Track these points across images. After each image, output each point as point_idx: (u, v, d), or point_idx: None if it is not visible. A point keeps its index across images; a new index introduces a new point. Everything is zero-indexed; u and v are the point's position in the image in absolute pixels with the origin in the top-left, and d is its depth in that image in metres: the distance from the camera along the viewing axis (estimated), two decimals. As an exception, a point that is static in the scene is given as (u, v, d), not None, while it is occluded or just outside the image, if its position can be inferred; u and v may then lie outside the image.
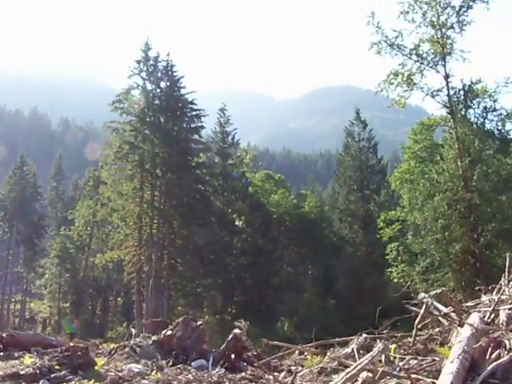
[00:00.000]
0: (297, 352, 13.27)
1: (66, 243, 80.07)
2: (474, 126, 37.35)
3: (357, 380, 7.00)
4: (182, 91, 61.49)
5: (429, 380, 6.82)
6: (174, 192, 57.59)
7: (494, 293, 9.91)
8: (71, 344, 10.91)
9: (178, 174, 58.04)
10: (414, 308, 10.50)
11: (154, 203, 57.62)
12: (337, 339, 11.07)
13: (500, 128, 37.78)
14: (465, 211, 36.03)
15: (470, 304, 9.92)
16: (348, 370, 7.09)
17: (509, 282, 9.98)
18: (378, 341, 9.19)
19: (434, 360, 7.62)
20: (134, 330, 16.84)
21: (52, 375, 8.59)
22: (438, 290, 9.69)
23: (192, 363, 11.31)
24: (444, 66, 37.57)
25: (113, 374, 9.24)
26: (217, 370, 10.83)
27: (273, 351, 13.46)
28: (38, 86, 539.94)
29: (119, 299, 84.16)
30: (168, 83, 60.88)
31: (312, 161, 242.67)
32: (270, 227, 66.42)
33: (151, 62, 60.32)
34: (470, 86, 37.39)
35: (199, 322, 13.01)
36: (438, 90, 37.98)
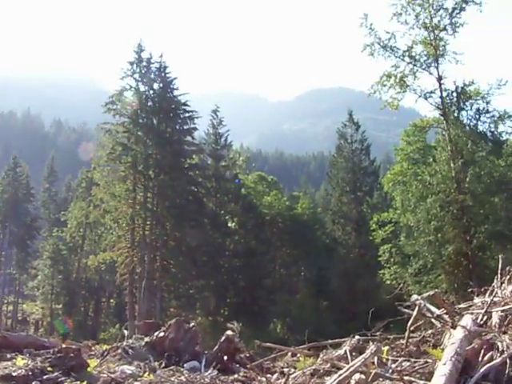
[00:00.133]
0: (289, 354, 13.28)
1: (58, 245, 79.94)
2: (467, 127, 37.43)
3: (350, 382, 7.01)
4: (175, 93, 61.48)
5: (422, 382, 6.82)
6: (167, 193, 57.54)
7: (487, 295, 9.92)
8: (64, 345, 10.87)
9: (170, 175, 58.02)
10: (406, 310, 10.50)
11: (147, 205, 57.53)
12: (329, 341, 11.05)
13: (493, 130, 37.88)
14: (457, 213, 36.11)
15: (462, 306, 9.92)
16: (341, 371, 7.09)
17: (501, 283, 9.99)
18: (371, 343, 9.19)
19: (426, 362, 7.62)
20: (126, 332, 16.79)
21: (44, 377, 8.55)
22: (431, 292, 9.69)
23: (185, 365, 11.31)
24: (437, 67, 37.71)
25: (105, 375, 9.21)
26: (209, 371, 10.82)
27: (265, 353, 13.46)
28: (31, 87, 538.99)
29: (112, 301, 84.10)
30: (161, 85, 60.84)
31: (305, 162, 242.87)
32: (263, 229, 66.45)
33: (144, 64, 60.25)
34: (462, 87, 37.50)
35: (192, 324, 13.00)
36: (431, 92, 38.11)
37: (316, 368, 9.04)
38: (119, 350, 12.08)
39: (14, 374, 8.50)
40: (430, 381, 6.47)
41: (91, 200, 68.57)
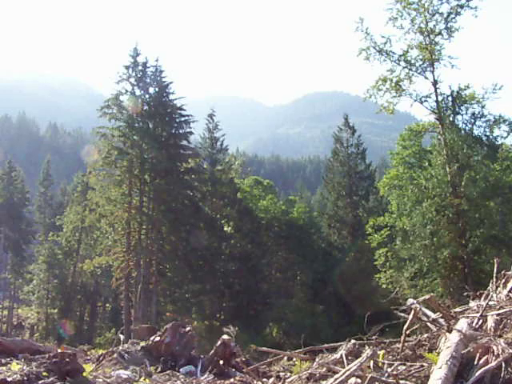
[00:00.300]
0: (285, 358, 13.28)
1: (54, 249, 79.67)
2: (463, 132, 37.48)
3: (345, 386, 7.01)
4: (171, 97, 61.32)
5: (417, 386, 6.83)
6: (163, 198, 57.45)
7: (482, 298, 9.95)
8: (59, 350, 10.86)
9: (166, 179, 57.93)
10: (402, 314, 10.52)
11: (143, 209, 57.41)
12: (325, 345, 11.07)
13: (488, 134, 37.93)
14: (453, 217, 36.15)
15: (458, 310, 9.95)
16: (337, 376, 7.10)
17: (497, 287, 10.02)
18: (367, 347, 9.21)
19: (422, 366, 7.63)
20: (122, 336, 16.80)
21: (40, 382, 8.54)
22: (427, 296, 9.70)
23: (180, 369, 11.31)
24: (432, 72, 37.76)
25: (101, 380, 9.21)
26: (205, 376, 10.83)
27: (261, 357, 13.49)
28: (27, 91, 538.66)
29: (107, 305, 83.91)
30: (157, 89, 60.78)
31: (301, 166, 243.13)
32: (259, 233, 66.36)
33: (140, 68, 60.11)
34: (458, 92, 37.57)
35: (188, 328, 13.00)
36: (427, 96, 38.16)
37: (312, 372, 9.05)
38: (115, 355, 12.08)
39: (9, 379, 8.48)
40: (425, 384, 6.49)
41: (87, 204, 68.48)
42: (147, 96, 60.21)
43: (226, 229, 67.06)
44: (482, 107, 37.43)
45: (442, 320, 9.31)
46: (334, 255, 65.68)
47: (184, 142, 62.15)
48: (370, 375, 7.22)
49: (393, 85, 38.16)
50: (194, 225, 60.36)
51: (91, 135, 71.70)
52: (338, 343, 10.53)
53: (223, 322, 51.13)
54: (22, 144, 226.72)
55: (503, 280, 10.16)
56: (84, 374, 9.41)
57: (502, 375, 6.58)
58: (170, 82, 61.25)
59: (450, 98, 37.88)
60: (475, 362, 6.95)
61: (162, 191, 57.07)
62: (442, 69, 38.14)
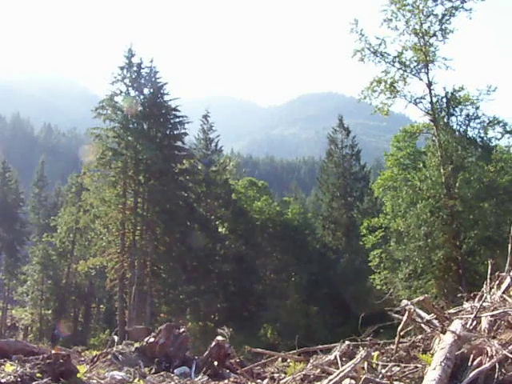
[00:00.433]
0: (280, 359, 13.27)
1: (48, 250, 79.49)
2: (457, 133, 37.58)
3: (340, 387, 7.01)
4: (166, 98, 61.23)
5: (411, 387, 6.84)
6: (157, 199, 57.32)
7: (476, 300, 9.96)
8: (53, 351, 10.83)
9: (161, 180, 57.88)
10: (396, 315, 10.51)
11: (137, 210, 57.30)
12: (320, 346, 11.04)
13: (482, 135, 38.06)
14: (447, 218, 36.22)
15: (452, 311, 9.95)
16: (331, 377, 7.10)
17: (491, 288, 10.03)
18: (361, 348, 9.21)
19: (416, 367, 7.64)
20: (116, 337, 16.75)
21: (33, 383, 8.52)
22: (421, 297, 9.69)
23: (175, 370, 11.31)
24: (427, 73, 37.87)
25: (95, 381, 9.20)
26: (200, 377, 10.83)
27: (256, 358, 13.47)
28: (21, 91, 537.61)
29: (102, 306, 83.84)
30: (151, 90, 60.70)
31: (295, 167, 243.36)
32: (253, 234, 66.35)
33: (134, 69, 59.96)
34: (452, 93, 37.66)
35: (182, 329, 13.00)
36: (421, 98, 38.27)
37: (306, 373, 9.04)
38: (109, 356, 12.07)
39: (3, 381, 8.46)
40: (419, 386, 6.49)
41: (81, 205, 68.39)
42: (142, 97, 60.09)
43: (220, 230, 67.04)
44: (477, 109, 37.57)
45: (436, 321, 9.31)
46: (329, 256, 65.77)
47: (178, 143, 62.12)
48: (364, 376, 7.22)
49: (387, 86, 38.26)
50: (188, 226, 60.41)
51: (86, 136, 71.51)
52: (333, 344, 10.52)
53: (217, 323, 51.13)
54: (16, 145, 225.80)
55: (497, 281, 10.17)
56: (78, 375, 9.39)
57: (495, 376, 6.59)
58: (165, 83, 61.23)
59: (444, 100, 37.98)
60: (469, 363, 6.95)
61: (156, 192, 56.94)
62: (437, 70, 38.30)
